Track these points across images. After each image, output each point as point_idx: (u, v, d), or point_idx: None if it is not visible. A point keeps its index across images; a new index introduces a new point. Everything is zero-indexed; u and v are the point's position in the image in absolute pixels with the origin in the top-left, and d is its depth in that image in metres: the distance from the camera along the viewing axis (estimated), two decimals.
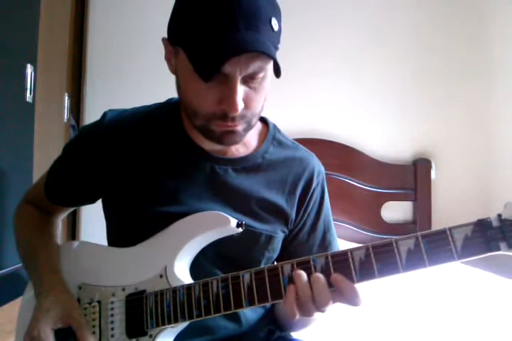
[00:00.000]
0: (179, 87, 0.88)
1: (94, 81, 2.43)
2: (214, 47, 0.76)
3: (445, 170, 2.44)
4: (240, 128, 0.85)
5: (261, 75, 0.81)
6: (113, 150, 0.95)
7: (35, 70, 1.81)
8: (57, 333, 0.85)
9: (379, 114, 2.48)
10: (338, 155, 2.34)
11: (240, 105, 0.80)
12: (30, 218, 1.07)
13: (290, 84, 2.37)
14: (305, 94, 2.45)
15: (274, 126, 1.03)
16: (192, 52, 0.80)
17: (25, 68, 1.76)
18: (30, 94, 1.79)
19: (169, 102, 1.00)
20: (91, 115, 2.40)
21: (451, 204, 2.43)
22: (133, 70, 2.43)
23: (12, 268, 1.66)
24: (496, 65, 2.46)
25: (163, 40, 0.88)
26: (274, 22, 0.79)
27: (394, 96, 2.48)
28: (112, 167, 0.95)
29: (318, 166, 1.02)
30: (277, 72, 0.80)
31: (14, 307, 1.32)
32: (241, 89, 0.80)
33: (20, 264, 1.69)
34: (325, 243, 1.01)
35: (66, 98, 2.23)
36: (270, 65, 0.81)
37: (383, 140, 2.48)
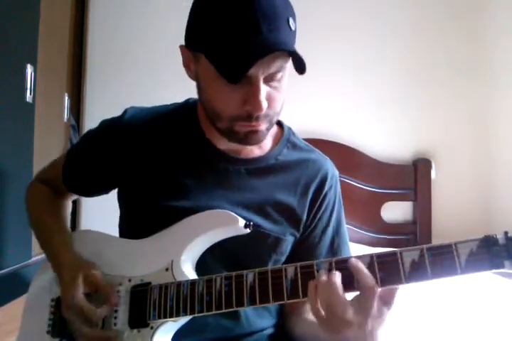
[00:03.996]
0: (201, 92, 0.90)
1: (94, 81, 2.43)
2: (239, 51, 0.77)
3: (445, 170, 2.45)
4: (263, 127, 0.87)
5: (280, 74, 0.84)
6: (130, 146, 0.97)
7: (35, 70, 1.81)
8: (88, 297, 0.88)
9: (379, 114, 2.49)
10: (338, 155, 2.31)
11: (264, 104, 0.82)
12: (44, 198, 1.10)
13: (290, 84, 2.37)
14: (305, 94, 2.44)
15: (289, 128, 1.04)
16: (216, 58, 0.81)
17: (25, 68, 1.76)
18: (30, 94, 1.79)
19: (187, 103, 1.03)
20: (91, 115, 2.40)
21: (451, 204, 2.43)
22: (133, 70, 2.43)
23: (12, 268, 1.67)
24: (496, 65, 2.46)
25: (181, 47, 0.90)
26: (291, 22, 0.82)
27: (394, 97, 2.48)
28: (129, 162, 0.97)
29: (332, 170, 1.03)
30: (302, 68, 0.82)
31: (14, 307, 1.32)
32: (264, 89, 0.82)
33: (20, 264, 1.70)
34: (333, 247, 1.01)
35: (66, 98, 2.23)
36: (288, 64, 0.83)
37: (383, 140, 2.48)
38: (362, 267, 0.72)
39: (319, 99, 2.47)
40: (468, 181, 2.46)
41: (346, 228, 1.07)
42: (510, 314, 1.52)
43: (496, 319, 1.49)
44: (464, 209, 2.42)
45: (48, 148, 2.03)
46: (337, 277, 0.73)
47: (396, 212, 2.46)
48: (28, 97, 1.78)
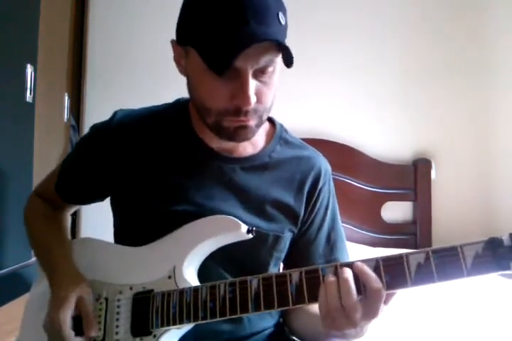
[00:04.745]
0: (191, 87, 0.89)
1: (94, 81, 2.43)
2: (226, 42, 0.77)
3: (445, 170, 2.44)
4: (252, 123, 0.85)
5: (270, 69, 0.83)
6: (123, 148, 0.96)
7: (35, 70, 1.81)
8: (75, 320, 0.86)
9: (379, 114, 2.48)
10: (338, 155, 2.33)
11: (253, 99, 0.81)
12: (42, 212, 1.08)
13: (290, 84, 2.37)
14: (305, 94, 2.45)
15: (281, 125, 1.04)
16: (203, 49, 0.81)
17: (25, 68, 1.76)
18: (30, 94, 1.79)
19: (178, 102, 1.02)
20: (91, 115, 2.40)
21: (451, 204, 2.43)
22: (133, 70, 2.43)
23: (12, 268, 1.67)
24: (496, 64, 2.46)
25: (172, 42, 0.89)
26: (281, 16, 0.81)
27: (394, 97, 2.48)
28: (122, 165, 0.96)
29: (325, 165, 1.03)
30: (289, 61, 0.81)
31: (14, 307, 1.32)
32: (253, 83, 0.81)
33: (20, 264, 1.70)
34: (330, 242, 1.01)
35: (66, 98, 2.23)
36: (278, 59, 0.82)
37: (383, 140, 2.48)
38: (368, 270, 0.71)
39: (319, 98, 2.47)
40: (468, 181, 2.46)
41: (341, 224, 1.06)
42: (510, 314, 1.52)
43: (498, 319, 1.49)
44: (464, 209, 2.42)
45: (48, 148, 2.03)
46: (348, 273, 0.72)
47: (396, 212, 2.46)
48: (28, 97, 1.78)
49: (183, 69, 0.89)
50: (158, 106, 1.03)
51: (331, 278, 0.72)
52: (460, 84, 2.48)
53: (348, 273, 0.72)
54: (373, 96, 2.47)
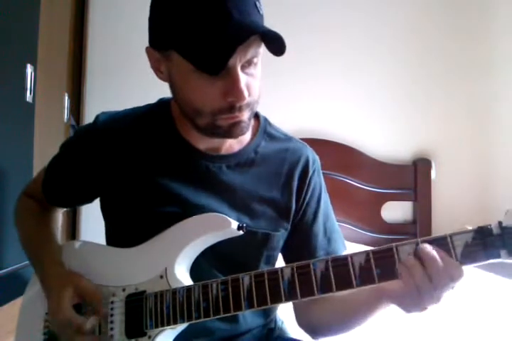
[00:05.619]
0: (177, 92, 0.88)
1: (94, 81, 2.43)
2: (216, 40, 0.75)
3: (445, 170, 2.44)
4: (245, 117, 0.85)
5: (255, 60, 0.82)
6: (108, 151, 0.96)
7: (35, 70, 1.81)
8: (76, 309, 0.86)
9: (379, 113, 2.48)
10: (338, 155, 2.34)
11: (246, 93, 0.80)
12: (32, 213, 1.08)
13: (290, 84, 2.37)
14: (305, 94, 2.44)
15: (265, 119, 1.03)
16: (190, 52, 0.79)
17: (25, 68, 1.76)
18: (30, 94, 1.78)
19: (160, 102, 1.01)
20: (91, 115, 2.38)
21: (451, 204, 2.43)
22: (133, 70, 2.42)
23: (12, 268, 1.66)
24: (496, 64, 2.46)
25: (147, 49, 0.87)
26: (258, 5, 0.81)
27: (394, 96, 2.48)
28: (108, 168, 0.96)
29: (312, 155, 1.02)
30: (279, 50, 0.79)
31: (14, 307, 1.32)
32: (243, 77, 0.81)
33: (20, 264, 1.70)
34: (326, 233, 1.00)
35: (66, 98, 2.23)
36: (262, 49, 0.82)
37: (383, 140, 2.48)
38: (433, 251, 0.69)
39: (319, 99, 2.47)
40: (468, 181, 2.46)
41: (334, 215, 1.06)
42: (510, 314, 1.52)
43: (496, 319, 1.49)
44: (463, 209, 2.42)
45: (47, 148, 2.03)
46: (431, 250, 0.69)
47: (396, 212, 2.46)
48: (28, 97, 1.78)
49: (164, 76, 0.88)
50: (141, 107, 1.02)
51: (412, 260, 0.69)
52: (459, 84, 2.47)
53: (430, 250, 0.69)
54: (373, 97, 2.47)
